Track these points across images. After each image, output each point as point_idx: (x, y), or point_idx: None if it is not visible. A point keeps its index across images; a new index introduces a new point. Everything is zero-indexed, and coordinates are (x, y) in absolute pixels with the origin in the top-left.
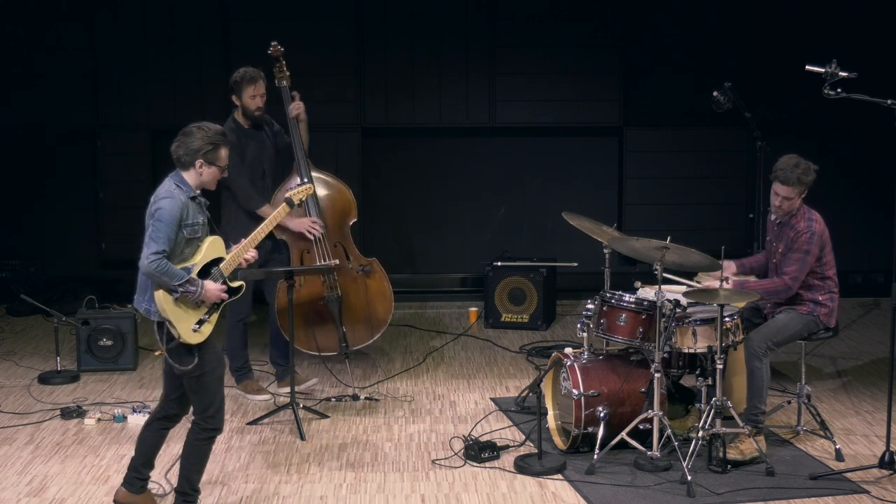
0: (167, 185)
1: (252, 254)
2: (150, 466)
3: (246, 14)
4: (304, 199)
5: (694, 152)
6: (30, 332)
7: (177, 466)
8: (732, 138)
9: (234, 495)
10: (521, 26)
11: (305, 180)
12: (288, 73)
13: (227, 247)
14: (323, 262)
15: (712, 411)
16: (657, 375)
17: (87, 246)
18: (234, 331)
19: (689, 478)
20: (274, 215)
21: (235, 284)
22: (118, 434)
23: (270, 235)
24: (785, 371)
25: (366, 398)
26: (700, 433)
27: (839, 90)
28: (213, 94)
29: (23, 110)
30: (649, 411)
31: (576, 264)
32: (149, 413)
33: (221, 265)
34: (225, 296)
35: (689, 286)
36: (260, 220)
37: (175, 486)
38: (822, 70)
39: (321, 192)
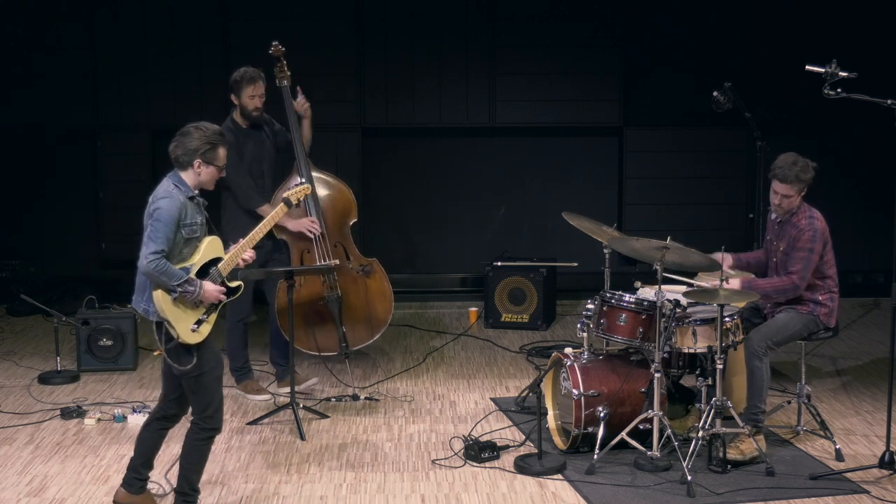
0: (165, 185)
1: (250, 254)
2: (150, 467)
3: (246, 14)
4: (301, 199)
5: (694, 152)
6: (30, 332)
7: (176, 467)
8: (732, 138)
9: (233, 495)
10: (521, 26)
11: (303, 180)
12: (289, 73)
13: (227, 247)
14: (323, 262)
15: (712, 411)
16: (657, 375)
17: (86, 246)
18: (234, 331)
19: (689, 478)
20: (272, 215)
21: (234, 284)
22: (118, 434)
23: (270, 235)
24: (785, 371)
25: (366, 398)
26: (700, 433)
27: (839, 90)
28: (213, 94)
29: (23, 110)
30: (649, 411)
31: (576, 264)
32: (148, 413)
33: (220, 265)
34: (223, 296)
35: (689, 286)
36: (259, 219)
37: (175, 486)
38: (822, 70)
39: (321, 192)
